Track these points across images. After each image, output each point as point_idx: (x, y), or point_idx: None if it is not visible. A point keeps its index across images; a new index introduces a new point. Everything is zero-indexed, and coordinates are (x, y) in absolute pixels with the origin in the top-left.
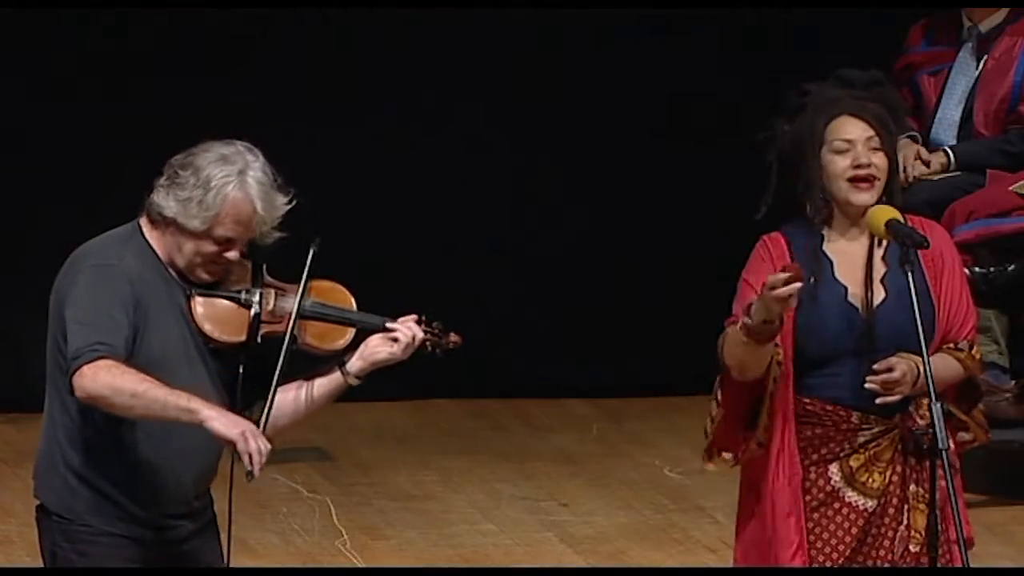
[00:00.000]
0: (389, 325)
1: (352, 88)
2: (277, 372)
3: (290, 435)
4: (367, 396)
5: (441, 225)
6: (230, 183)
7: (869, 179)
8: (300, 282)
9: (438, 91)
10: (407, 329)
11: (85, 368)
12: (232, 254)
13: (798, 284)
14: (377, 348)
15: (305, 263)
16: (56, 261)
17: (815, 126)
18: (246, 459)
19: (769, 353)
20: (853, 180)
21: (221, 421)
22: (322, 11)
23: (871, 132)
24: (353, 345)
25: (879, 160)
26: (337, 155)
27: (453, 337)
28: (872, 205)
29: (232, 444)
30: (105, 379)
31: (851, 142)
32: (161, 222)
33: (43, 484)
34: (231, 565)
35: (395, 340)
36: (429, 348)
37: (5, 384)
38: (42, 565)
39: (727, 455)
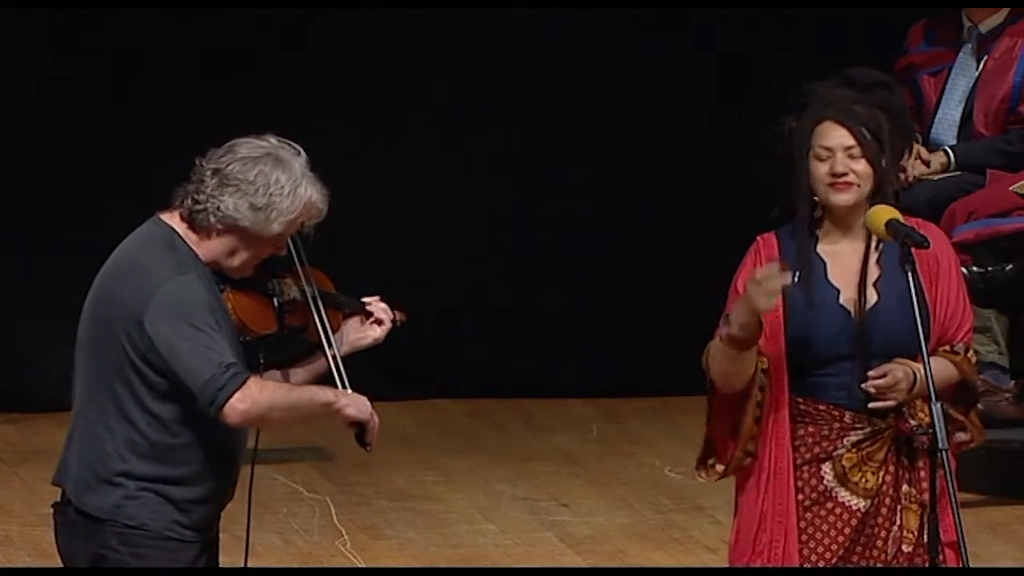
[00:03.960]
0: (370, 308)
1: (353, 86)
2: (332, 358)
3: (290, 435)
4: (367, 396)
5: (440, 225)
6: (299, 185)
7: (848, 183)
8: (296, 267)
9: (437, 90)
10: (386, 313)
11: (237, 395)
12: (284, 251)
13: (785, 277)
14: (362, 334)
15: (297, 246)
16: (55, 263)
17: (803, 129)
18: (371, 436)
19: (752, 362)
20: (831, 185)
21: (355, 407)
22: (320, 10)
23: (851, 141)
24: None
25: (860, 167)
26: (337, 152)
27: (399, 315)
28: (850, 205)
29: (360, 424)
30: (261, 400)
31: (831, 149)
32: (217, 229)
33: (98, 496)
34: (229, 565)
35: (378, 323)
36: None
37: (6, 384)
38: (41, 565)
39: (719, 466)
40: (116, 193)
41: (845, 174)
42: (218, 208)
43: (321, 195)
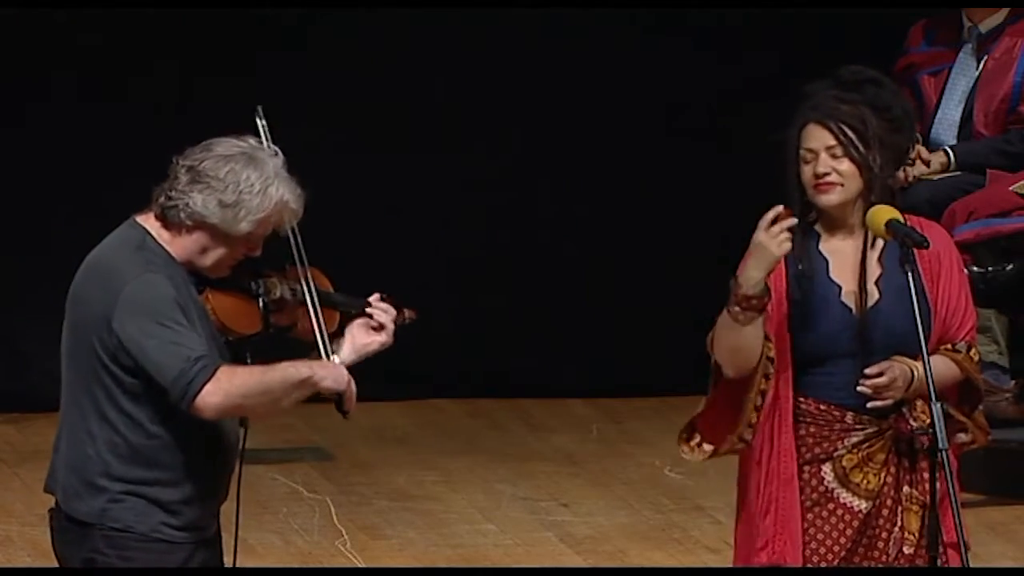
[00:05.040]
0: (370, 310)
1: (353, 86)
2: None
3: (290, 435)
4: (367, 396)
5: (440, 225)
6: (271, 185)
7: (830, 183)
8: (294, 264)
9: (437, 90)
10: (387, 315)
11: (208, 387)
12: (258, 252)
13: (791, 221)
14: (367, 340)
15: (295, 245)
16: (55, 263)
17: (791, 133)
18: (349, 404)
19: (759, 336)
20: (816, 186)
21: (332, 378)
22: (320, 10)
23: (832, 141)
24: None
25: (843, 166)
26: (337, 152)
27: (408, 313)
28: (839, 204)
29: (338, 393)
30: (233, 389)
31: (814, 151)
32: (188, 226)
33: (84, 501)
34: (227, 566)
35: (380, 327)
36: None
37: (6, 384)
38: (41, 565)
39: (707, 447)
40: (117, 193)
41: (828, 174)
42: (187, 204)
43: (294, 196)
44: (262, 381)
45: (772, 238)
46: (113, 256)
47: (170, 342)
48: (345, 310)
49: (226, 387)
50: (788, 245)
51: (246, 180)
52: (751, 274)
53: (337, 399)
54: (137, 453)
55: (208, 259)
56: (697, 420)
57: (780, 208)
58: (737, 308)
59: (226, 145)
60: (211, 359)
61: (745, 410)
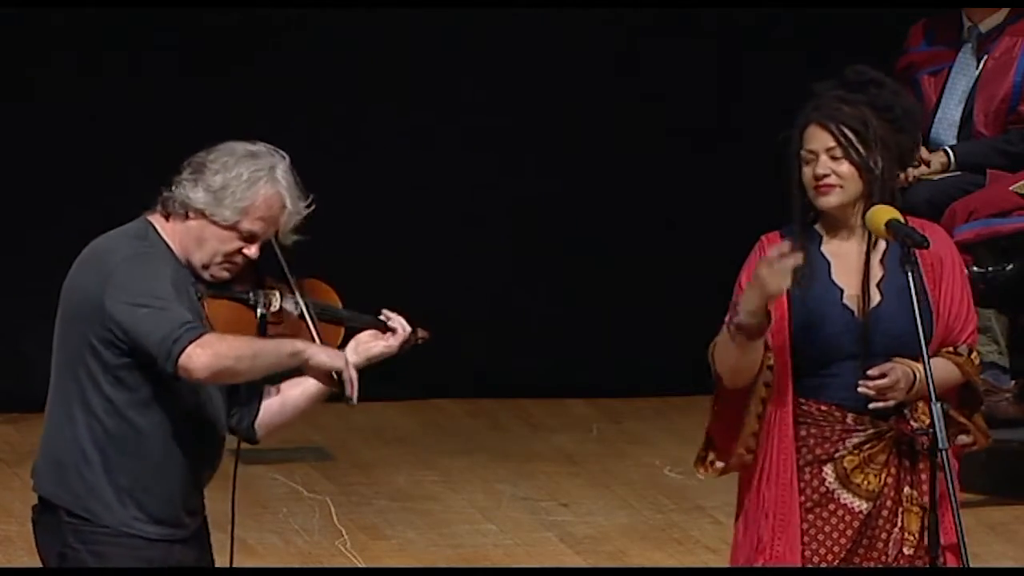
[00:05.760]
0: (389, 323)
1: (352, 87)
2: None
3: (290, 435)
4: (367, 396)
5: (441, 225)
6: (261, 177)
7: (830, 185)
8: (289, 279)
9: (436, 92)
10: (400, 324)
11: (193, 348)
12: (252, 251)
13: (796, 257)
14: (371, 343)
15: (281, 258)
16: (56, 262)
17: (794, 134)
18: (349, 387)
19: (759, 356)
20: (816, 188)
21: (325, 354)
22: (320, 10)
23: (832, 143)
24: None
25: (843, 168)
26: (335, 153)
27: (421, 332)
28: (839, 206)
29: (337, 373)
30: (223, 350)
31: (814, 152)
32: (182, 216)
33: (54, 482)
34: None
35: (391, 333)
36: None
37: (6, 384)
38: (40, 565)
39: (719, 463)
40: (121, 194)
41: (827, 176)
42: (180, 192)
43: (291, 198)
44: (252, 345)
45: (773, 275)
46: (109, 243)
47: (160, 309)
48: (351, 325)
49: (216, 347)
50: (788, 282)
51: (236, 169)
52: (748, 305)
53: (339, 387)
54: (114, 440)
55: (202, 254)
56: (712, 433)
57: (785, 246)
58: (735, 332)
59: (235, 144)
60: (200, 326)
61: (747, 419)
